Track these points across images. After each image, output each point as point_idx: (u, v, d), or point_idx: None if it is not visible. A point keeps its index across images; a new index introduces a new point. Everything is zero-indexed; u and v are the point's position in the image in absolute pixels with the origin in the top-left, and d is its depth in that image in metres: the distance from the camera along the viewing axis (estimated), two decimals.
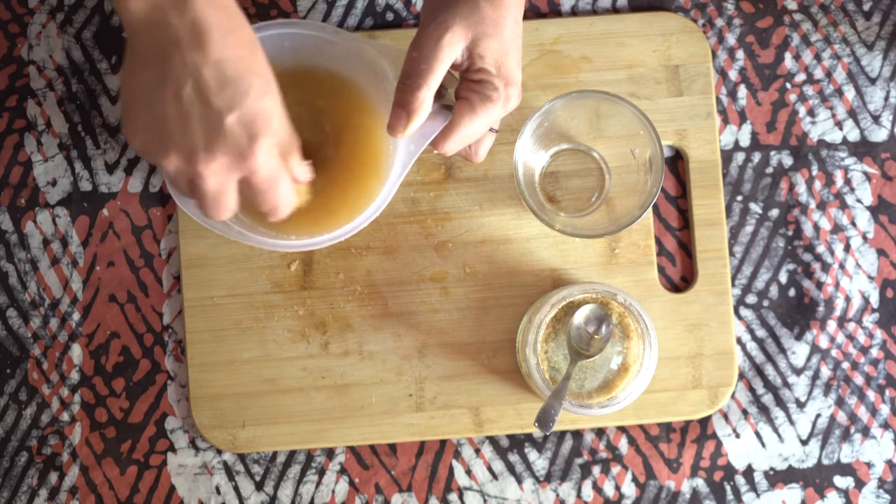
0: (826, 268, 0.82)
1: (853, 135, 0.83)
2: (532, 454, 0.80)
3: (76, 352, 0.82)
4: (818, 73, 0.83)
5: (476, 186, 0.81)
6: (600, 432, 0.80)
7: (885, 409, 0.81)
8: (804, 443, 0.80)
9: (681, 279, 0.82)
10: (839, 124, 0.83)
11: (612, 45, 0.82)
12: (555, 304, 0.74)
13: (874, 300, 0.81)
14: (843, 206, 0.82)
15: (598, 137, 0.80)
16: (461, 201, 0.81)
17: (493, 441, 0.81)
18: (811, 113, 0.83)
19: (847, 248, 0.82)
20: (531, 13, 0.84)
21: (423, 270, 0.81)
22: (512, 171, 0.79)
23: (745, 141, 0.83)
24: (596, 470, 0.80)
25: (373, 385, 0.80)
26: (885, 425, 0.80)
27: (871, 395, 0.81)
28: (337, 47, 0.69)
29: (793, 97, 0.83)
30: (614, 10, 0.84)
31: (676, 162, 0.83)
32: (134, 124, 0.57)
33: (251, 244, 0.69)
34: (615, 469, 0.80)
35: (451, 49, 0.61)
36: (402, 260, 0.81)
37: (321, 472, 0.81)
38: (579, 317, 0.74)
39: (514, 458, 0.80)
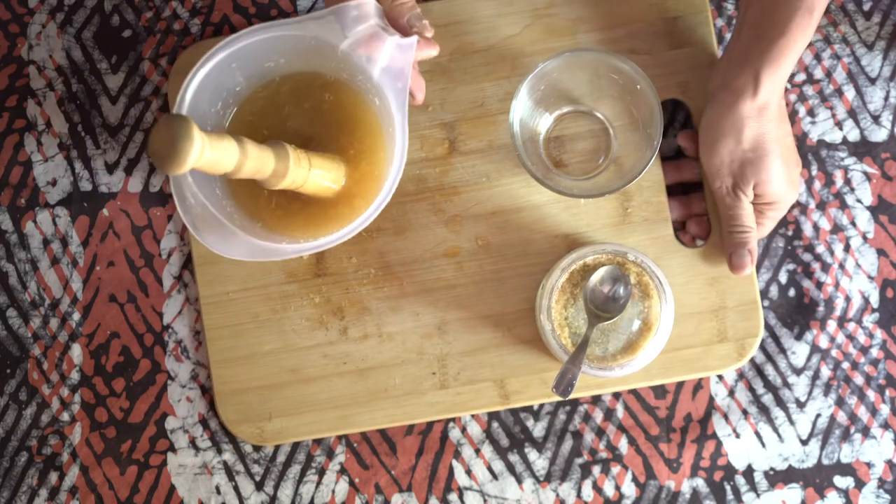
0: (826, 268, 0.82)
1: (853, 135, 0.83)
2: (532, 454, 0.80)
3: (76, 352, 0.82)
4: (818, 73, 0.83)
5: (482, 157, 0.81)
6: (600, 432, 0.80)
7: (885, 409, 0.81)
8: (804, 443, 0.80)
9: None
10: (839, 124, 0.83)
11: (607, 3, 0.81)
12: (565, 268, 0.73)
13: (874, 300, 0.81)
14: (843, 206, 0.82)
15: (601, 98, 0.79)
16: (468, 174, 0.81)
17: (493, 441, 0.81)
18: (811, 113, 0.83)
19: (847, 248, 0.82)
20: None
21: (436, 247, 0.80)
22: None
23: None
24: (596, 470, 0.80)
25: (395, 366, 0.80)
26: (885, 425, 0.80)
27: (871, 395, 0.81)
28: (321, 43, 0.69)
29: (793, 97, 0.83)
30: None
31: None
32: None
33: (273, 258, 0.69)
34: (615, 469, 0.80)
35: (737, 197, 0.76)
36: (413, 238, 0.80)
37: (321, 472, 0.81)
38: (594, 279, 0.73)
39: (514, 458, 0.80)
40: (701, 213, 0.80)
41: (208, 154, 0.58)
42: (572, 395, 0.78)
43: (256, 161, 0.63)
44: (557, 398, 0.79)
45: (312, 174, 0.68)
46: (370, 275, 0.80)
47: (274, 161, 0.64)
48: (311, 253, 0.68)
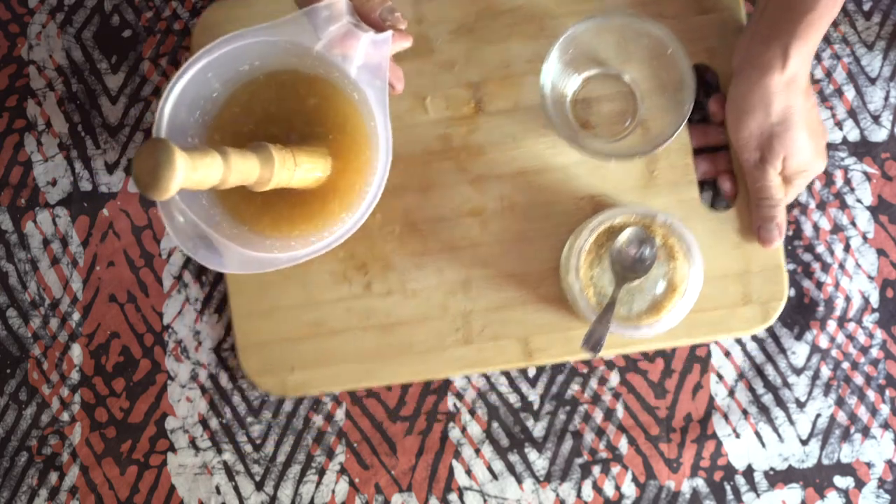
0: (826, 268, 0.82)
1: (853, 135, 0.83)
2: (532, 454, 0.80)
3: (76, 352, 0.82)
4: (818, 73, 0.83)
5: (508, 118, 0.81)
6: (600, 432, 0.80)
7: (885, 409, 0.81)
8: (804, 443, 0.80)
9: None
10: (839, 124, 0.83)
11: None
12: (594, 229, 0.73)
13: (874, 300, 0.81)
14: (843, 206, 0.82)
15: (628, 61, 0.79)
16: (494, 134, 0.81)
17: (493, 441, 0.81)
18: None
19: (847, 248, 0.82)
20: None
21: (461, 206, 0.80)
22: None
23: None
24: (596, 470, 0.80)
25: (419, 322, 0.80)
26: (885, 425, 0.80)
27: (871, 395, 0.81)
28: (296, 46, 0.68)
29: None
30: None
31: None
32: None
33: (284, 265, 0.67)
34: (615, 469, 0.80)
35: (765, 170, 0.77)
36: (438, 197, 0.80)
37: (321, 472, 0.81)
38: (621, 240, 0.73)
39: (514, 458, 0.80)
40: (729, 169, 0.80)
41: (193, 176, 0.57)
42: (602, 353, 0.78)
43: (241, 172, 0.62)
44: (581, 357, 0.79)
45: (298, 172, 0.67)
46: (394, 231, 0.80)
47: (259, 167, 0.64)
48: (306, 259, 0.68)
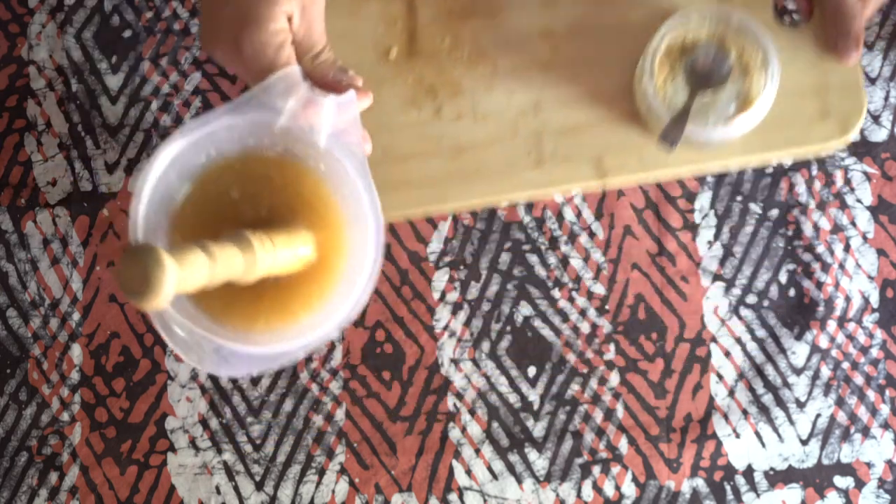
0: (826, 268, 0.82)
1: (853, 135, 0.83)
2: (532, 454, 0.80)
3: (76, 352, 0.82)
4: None
5: None
6: (601, 432, 0.80)
7: (885, 409, 0.81)
8: (804, 443, 0.80)
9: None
10: None
11: None
12: (666, 33, 0.73)
13: (874, 300, 0.81)
14: (843, 206, 0.82)
15: None
16: None
17: (493, 441, 0.81)
18: None
19: (847, 248, 0.82)
20: None
21: (531, 29, 0.79)
22: None
23: None
24: (596, 470, 0.80)
25: (489, 146, 0.78)
26: (885, 425, 0.80)
27: (871, 395, 0.81)
28: (255, 125, 0.65)
29: None
30: None
31: None
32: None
33: (265, 368, 0.63)
34: (615, 469, 0.80)
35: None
36: (508, 20, 0.79)
37: (321, 472, 0.81)
38: (697, 50, 0.73)
39: (514, 458, 0.80)
40: None
41: (182, 275, 0.53)
42: (676, 167, 0.76)
43: (226, 263, 0.58)
44: (657, 175, 0.78)
45: (279, 254, 0.63)
46: (463, 56, 0.79)
47: (240, 253, 0.59)
48: (313, 349, 0.63)
